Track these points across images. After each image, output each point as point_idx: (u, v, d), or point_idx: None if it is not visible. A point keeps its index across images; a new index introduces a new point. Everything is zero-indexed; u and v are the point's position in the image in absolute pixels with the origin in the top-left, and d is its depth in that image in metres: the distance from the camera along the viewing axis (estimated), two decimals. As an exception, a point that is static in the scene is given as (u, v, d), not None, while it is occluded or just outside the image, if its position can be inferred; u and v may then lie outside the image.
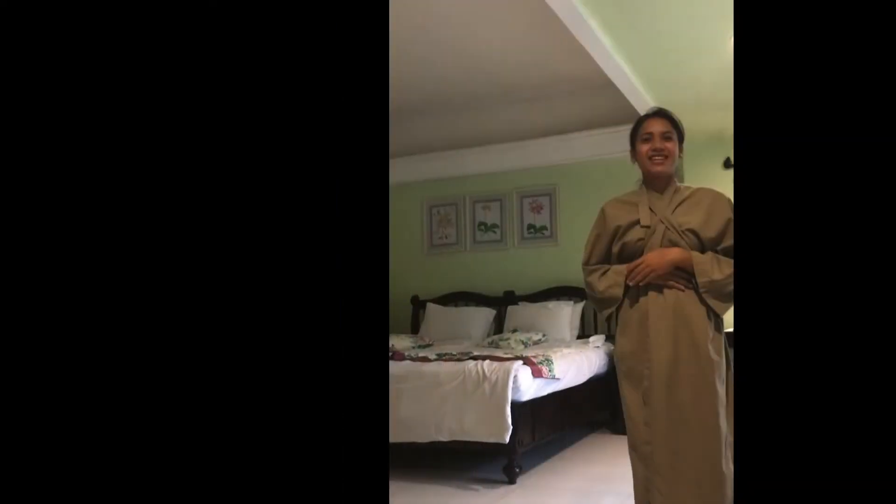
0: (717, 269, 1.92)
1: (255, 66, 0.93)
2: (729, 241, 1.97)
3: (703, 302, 1.94)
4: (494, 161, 5.51)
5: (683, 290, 1.94)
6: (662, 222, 2.01)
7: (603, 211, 2.17)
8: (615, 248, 2.07)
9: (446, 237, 5.66)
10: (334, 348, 0.93)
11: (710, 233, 1.98)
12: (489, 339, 4.66)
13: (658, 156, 2.04)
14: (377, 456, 0.94)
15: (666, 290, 1.96)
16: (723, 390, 1.93)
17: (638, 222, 2.03)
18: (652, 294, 1.97)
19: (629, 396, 2.01)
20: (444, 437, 3.29)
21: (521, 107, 5.12)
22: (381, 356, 1.01)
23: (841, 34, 0.94)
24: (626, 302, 2.04)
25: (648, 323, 1.96)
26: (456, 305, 5.39)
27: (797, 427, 0.95)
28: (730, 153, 4.72)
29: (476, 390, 3.26)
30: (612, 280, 2.06)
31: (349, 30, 0.94)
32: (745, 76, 1.00)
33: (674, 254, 1.95)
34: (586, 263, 2.17)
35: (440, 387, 3.35)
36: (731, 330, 2.18)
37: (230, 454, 0.91)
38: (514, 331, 4.71)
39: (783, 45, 0.97)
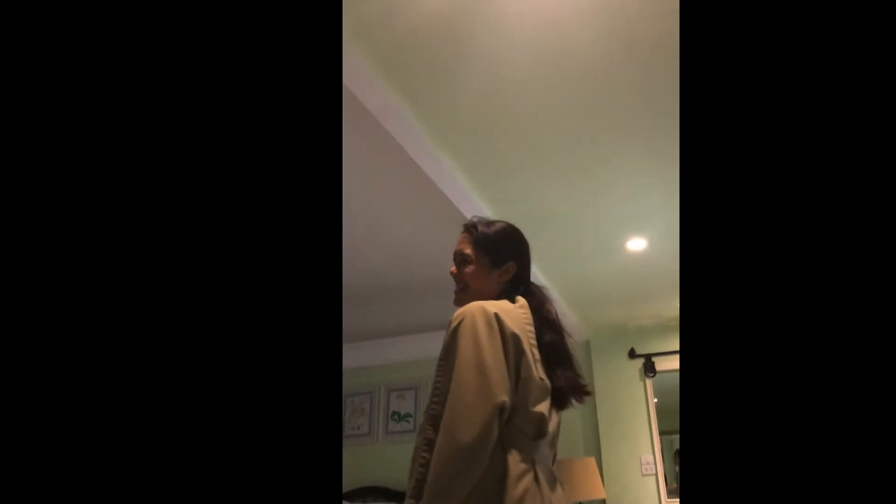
0: None
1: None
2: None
3: None
4: (411, 350, 5.62)
5: None
6: None
7: (497, 319, 1.27)
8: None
9: (359, 427, 5.53)
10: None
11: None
12: (406, 536, 4.41)
13: (455, 289, 1.42)
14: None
15: None
16: None
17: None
18: None
19: None
20: None
21: (438, 299, 5.34)
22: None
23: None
24: None
25: None
26: (364, 501, 5.14)
27: None
28: (633, 344, 5.06)
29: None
30: None
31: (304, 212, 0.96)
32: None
33: None
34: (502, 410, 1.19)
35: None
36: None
37: (224, 450, 0.88)
38: (433, 525, 4.50)
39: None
